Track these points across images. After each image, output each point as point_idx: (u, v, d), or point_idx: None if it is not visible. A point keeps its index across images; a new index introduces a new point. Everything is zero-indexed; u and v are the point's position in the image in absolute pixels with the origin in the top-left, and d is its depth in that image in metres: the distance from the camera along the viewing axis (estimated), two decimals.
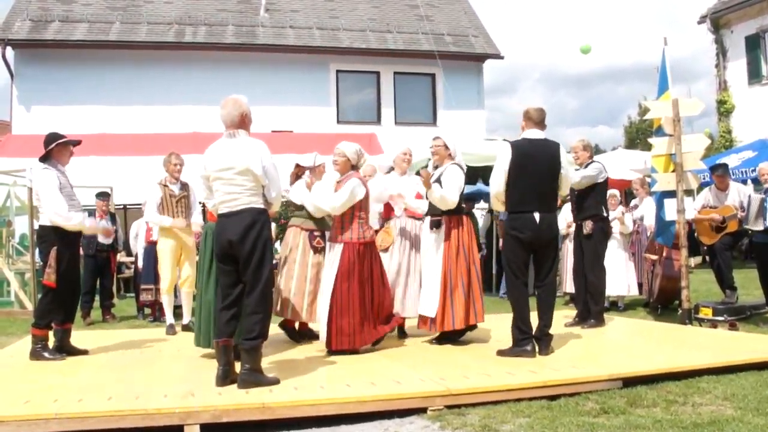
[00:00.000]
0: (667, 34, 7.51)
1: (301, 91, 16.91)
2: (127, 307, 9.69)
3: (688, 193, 6.71)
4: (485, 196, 15.56)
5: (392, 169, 6.30)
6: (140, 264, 8.61)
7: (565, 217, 8.08)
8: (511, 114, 70.42)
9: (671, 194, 6.56)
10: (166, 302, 6.67)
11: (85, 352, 5.28)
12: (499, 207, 5.10)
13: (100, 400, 3.62)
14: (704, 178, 9.56)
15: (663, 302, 7.68)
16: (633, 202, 8.94)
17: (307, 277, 5.54)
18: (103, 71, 15.87)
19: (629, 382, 4.05)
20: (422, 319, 5.46)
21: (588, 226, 6.27)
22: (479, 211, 13.32)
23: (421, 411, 3.65)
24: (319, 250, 5.59)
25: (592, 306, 6.28)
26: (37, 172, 5.09)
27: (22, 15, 16.16)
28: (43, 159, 5.12)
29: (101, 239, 8.42)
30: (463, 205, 5.43)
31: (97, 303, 8.68)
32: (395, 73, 18.03)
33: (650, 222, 8.02)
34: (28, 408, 3.49)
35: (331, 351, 5.01)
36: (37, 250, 7.01)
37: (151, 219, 6.69)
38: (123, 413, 3.39)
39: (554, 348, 4.90)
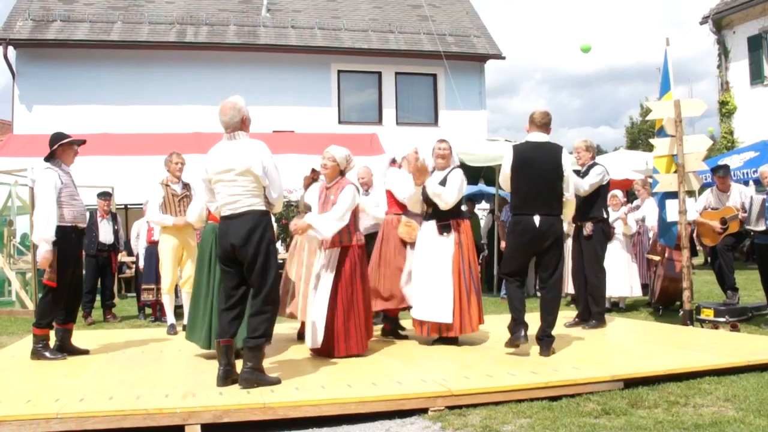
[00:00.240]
0: (669, 35, 7.50)
1: (302, 91, 16.91)
2: (128, 307, 9.69)
3: (690, 194, 6.70)
4: (486, 197, 15.61)
5: (393, 161, 6.31)
6: (141, 264, 8.61)
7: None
8: (513, 114, 70.54)
9: (673, 195, 6.56)
10: (167, 302, 6.66)
11: (86, 352, 5.28)
12: None
13: (102, 400, 3.63)
14: (706, 179, 9.55)
15: (664, 303, 7.67)
16: (635, 203, 8.93)
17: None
18: (104, 71, 15.87)
19: (630, 383, 4.05)
20: (417, 323, 5.37)
21: (588, 227, 6.28)
22: (481, 211, 13.33)
23: (422, 411, 3.66)
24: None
25: (593, 307, 6.28)
26: (38, 172, 5.09)
27: (24, 15, 16.17)
28: (48, 159, 5.13)
29: (101, 239, 8.46)
30: (464, 208, 5.41)
31: (98, 303, 8.68)
32: (397, 73, 18.01)
33: (652, 223, 8.02)
34: (30, 407, 3.49)
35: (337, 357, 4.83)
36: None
37: (152, 218, 6.69)
38: (124, 413, 3.40)
39: (555, 349, 4.90)
